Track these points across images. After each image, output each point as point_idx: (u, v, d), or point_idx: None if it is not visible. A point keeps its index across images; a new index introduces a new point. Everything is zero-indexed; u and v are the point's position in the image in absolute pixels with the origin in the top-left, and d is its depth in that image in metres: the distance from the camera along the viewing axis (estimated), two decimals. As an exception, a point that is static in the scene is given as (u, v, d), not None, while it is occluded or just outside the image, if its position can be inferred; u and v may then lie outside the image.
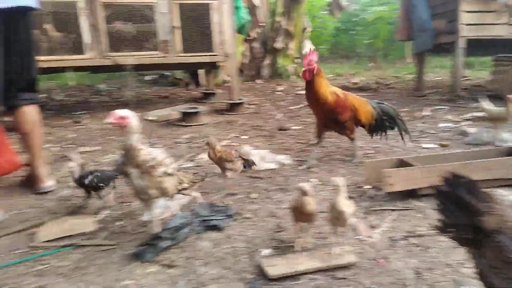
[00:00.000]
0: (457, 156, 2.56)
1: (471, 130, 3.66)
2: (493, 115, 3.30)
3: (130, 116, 1.68)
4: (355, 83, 7.37)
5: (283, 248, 1.83)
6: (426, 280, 1.56)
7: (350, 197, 1.77)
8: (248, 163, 2.55)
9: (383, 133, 3.08)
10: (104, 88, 7.28)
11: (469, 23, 5.21)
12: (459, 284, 1.54)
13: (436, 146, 3.38)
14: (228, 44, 5.08)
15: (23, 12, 2.22)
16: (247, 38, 8.04)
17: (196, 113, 4.40)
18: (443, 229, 1.30)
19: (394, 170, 2.24)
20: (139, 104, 5.41)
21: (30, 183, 2.57)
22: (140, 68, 5.00)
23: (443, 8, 5.69)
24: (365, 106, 2.96)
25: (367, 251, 1.78)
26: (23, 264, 1.78)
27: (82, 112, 5.07)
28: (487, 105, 3.37)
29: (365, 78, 8.15)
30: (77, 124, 4.49)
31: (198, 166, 2.97)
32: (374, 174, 2.36)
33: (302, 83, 3.57)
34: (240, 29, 6.25)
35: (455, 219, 1.26)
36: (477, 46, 5.35)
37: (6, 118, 2.58)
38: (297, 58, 8.69)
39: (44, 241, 1.93)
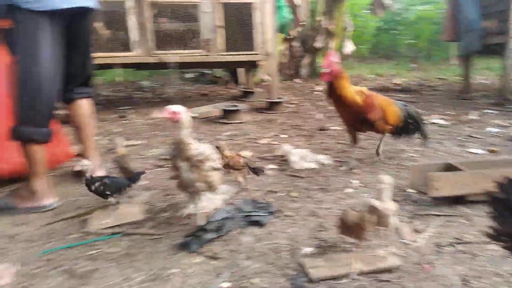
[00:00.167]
0: (508, 162, 2.45)
1: (522, 136, 3.50)
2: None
3: (182, 112, 1.75)
4: (397, 84, 7.19)
5: (325, 247, 1.83)
6: (474, 288, 1.53)
7: (394, 200, 1.75)
8: (255, 171, 2.43)
9: (407, 136, 3.00)
10: (147, 84, 7.52)
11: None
12: (510, 294, 1.49)
13: (483, 151, 3.25)
14: (269, 43, 5.12)
15: (85, 12, 2.35)
16: (287, 37, 8.04)
17: (236, 111, 4.47)
18: (495, 237, 1.26)
19: (441, 174, 2.18)
20: (181, 101, 5.56)
21: (82, 173, 2.71)
22: (183, 66, 5.13)
23: (494, 8, 5.44)
24: (392, 107, 2.88)
25: (412, 255, 1.76)
26: (76, 249, 1.89)
27: (127, 107, 5.28)
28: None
29: (406, 79, 7.93)
30: (123, 118, 4.68)
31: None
32: (420, 178, 2.31)
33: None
34: (281, 28, 6.26)
35: (509, 227, 1.23)
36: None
37: (61, 111, 2.74)
38: (337, 58, 8.57)
39: (96, 228, 2.05)
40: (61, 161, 2.79)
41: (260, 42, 5.06)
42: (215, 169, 1.87)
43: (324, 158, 3.02)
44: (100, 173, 2.70)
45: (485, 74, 8.23)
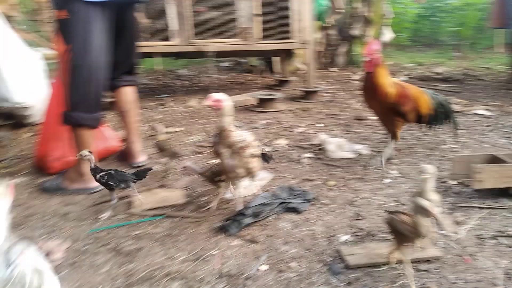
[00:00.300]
0: (558, 156, 2.34)
1: None
2: None
3: (225, 100, 1.80)
4: (439, 73, 6.93)
5: (362, 236, 1.84)
6: (518, 282, 1.49)
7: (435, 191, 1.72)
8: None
9: (438, 126, 2.91)
10: (184, 73, 7.65)
11: None
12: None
13: (531, 144, 3.10)
14: (306, 31, 5.06)
15: (132, 3, 2.44)
16: (324, 25, 7.90)
17: (272, 99, 4.48)
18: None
19: (486, 166, 2.12)
20: (217, 90, 5.63)
21: (125, 157, 2.84)
22: (220, 54, 5.18)
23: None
24: (424, 96, 2.81)
25: (452, 246, 1.73)
26: (121, 229, 2.00)
27: (166, 95, 5.41)
28: None
29: (449, 68, 7.61)
30: (162, 106, 4.81)
31: (275, 151, 3.05)
32: (462, 169, 2.25)
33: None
34: (319, 16, 6.17)
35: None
36: None
37: (105, 99, 2.85)
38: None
39: (140, 210, 2.15)
40: (105, 156, 2.89)
41: (297, 30, 5.01)
42: (254, 156, 1.91)
43: (361, 148, 3.00)
44: (142, 158, 2.83)
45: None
